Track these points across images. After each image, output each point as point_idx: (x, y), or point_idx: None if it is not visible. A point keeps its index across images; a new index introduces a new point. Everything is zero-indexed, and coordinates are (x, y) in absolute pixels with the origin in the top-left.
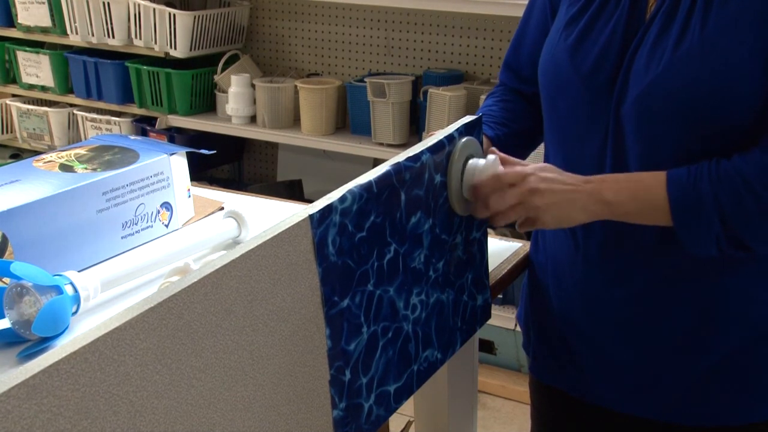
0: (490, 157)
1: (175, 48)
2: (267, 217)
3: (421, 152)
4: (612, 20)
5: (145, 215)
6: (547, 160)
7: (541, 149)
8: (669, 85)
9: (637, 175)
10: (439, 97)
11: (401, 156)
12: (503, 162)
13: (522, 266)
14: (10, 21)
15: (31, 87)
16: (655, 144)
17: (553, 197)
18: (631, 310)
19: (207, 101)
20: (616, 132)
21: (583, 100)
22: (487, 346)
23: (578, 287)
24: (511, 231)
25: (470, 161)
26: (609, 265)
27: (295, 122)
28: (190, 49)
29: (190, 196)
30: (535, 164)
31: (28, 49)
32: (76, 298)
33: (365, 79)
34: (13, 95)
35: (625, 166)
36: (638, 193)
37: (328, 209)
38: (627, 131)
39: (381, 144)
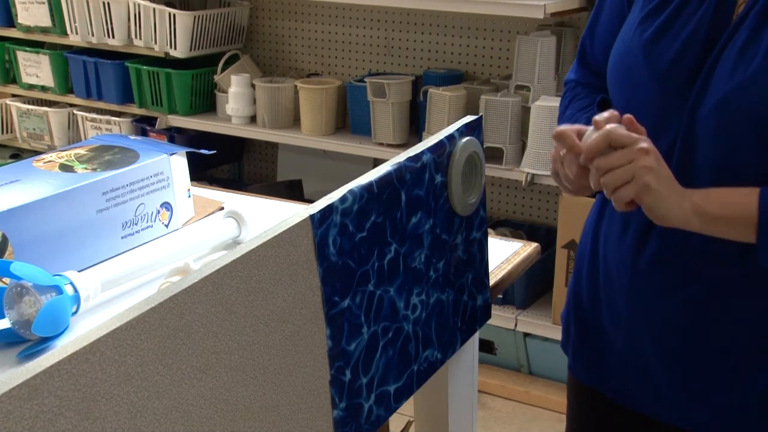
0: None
1: (175, 48)
2: (267, 217)
3: (422, 152)
4: (695, 17)
5: (145, 215)
6: None
7: None
8: (757, 92)
9: (730, 192)
10: (439, 97)
11: (402, 156)
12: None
13: (522, 266)
14: (10, 21)
15: (31, 87)
16: (732, 152)
17: (664, 182)
18: (679, 319)
19: (207, 101)
20: (688, 135)
21: (654, 99)
22: (487, 346)
23: (627, 294)
24: (511, 231)
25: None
26: (659, 274)
27: (295, 122)
28: (190, 49)
29: (190, 196)
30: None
31: (28, 49)
32: (76, 298)
33: (365, 79)
34: (13, 95)
35: (692, 170)
36: (728, 205)
37: (329, 209)
38: (701, 136)
39: (381, 144)
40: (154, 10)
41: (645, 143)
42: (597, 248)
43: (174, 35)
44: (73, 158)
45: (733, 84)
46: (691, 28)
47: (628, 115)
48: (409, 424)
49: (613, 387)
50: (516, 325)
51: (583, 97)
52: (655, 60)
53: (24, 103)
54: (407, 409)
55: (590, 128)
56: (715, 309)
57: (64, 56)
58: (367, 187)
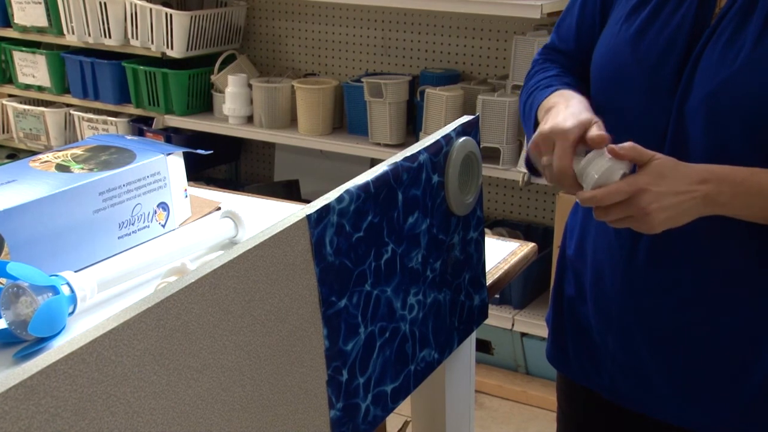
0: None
1: (172, 48)
2: (264, 217)
3: (419, 152)
4: (679, 12)
5: (141, 215)
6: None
7: None
8: (746, 84)
9: (752, 175)
10: (436, 97)
11: (399, 156)
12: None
13: (519, 266)
14: (7, 21)
15: (28, 87)
16: (725, 144)
17: (665, 212)
18: (675, 318)
19: (204, 101)
20: (678, 129)
21: (642, 94)
22: (484, 346)
23: (620, 292)
24: (508, 231)
25: (592, 153)
26: (655, 270)
27: (292, 122)
28: (187, 49)
29: (186, 197)
30: (649, 169)
31: (24, 49)
32: (73, 299)
33: (362, 79)
34: (10, 95)
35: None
36: (751, 197)
37: (326, 209)
38: (692, 130)
39: (378, 144)
40: (150, 10)
41: (643, 200)
42: (584, 245)
43: (171, 35)
44: (70, 158)
45: (721, 77)
46: (676, 22)
47: (629, 144)
48: (406, 424)
49: (607, 386)
50: (513, 325)
51: (550, 68)
52: (642, 55)
53: (20, 103)
54: (404, 409)
55: (591, 155)
56: (711, 307)
57: (60, 56)
58: (364, 187)
